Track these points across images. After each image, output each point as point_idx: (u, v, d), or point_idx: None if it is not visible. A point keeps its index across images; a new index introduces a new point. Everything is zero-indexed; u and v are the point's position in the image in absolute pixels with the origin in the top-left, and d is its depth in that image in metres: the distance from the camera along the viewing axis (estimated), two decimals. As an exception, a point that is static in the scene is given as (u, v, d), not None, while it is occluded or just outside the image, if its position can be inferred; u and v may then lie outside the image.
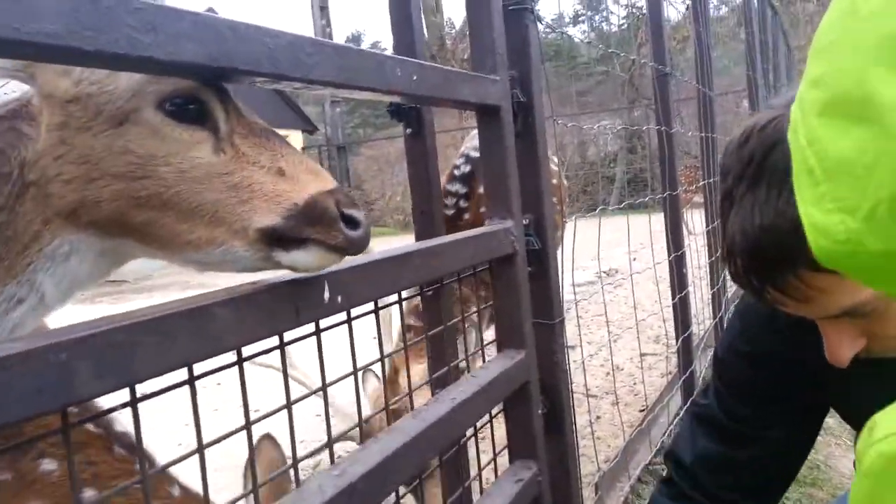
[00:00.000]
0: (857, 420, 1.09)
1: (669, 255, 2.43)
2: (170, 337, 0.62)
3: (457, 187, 2.25)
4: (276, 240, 0.78)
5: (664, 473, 1.20)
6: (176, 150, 0.79)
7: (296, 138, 17.74)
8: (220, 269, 0.84)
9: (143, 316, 0.60)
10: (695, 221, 3.23)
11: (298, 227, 0.77)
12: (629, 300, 2.88)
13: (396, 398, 1.57)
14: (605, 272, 2.09)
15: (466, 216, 2.22)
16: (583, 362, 3.05)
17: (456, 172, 2.29)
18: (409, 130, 1.49)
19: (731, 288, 3.36)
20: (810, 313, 0.80)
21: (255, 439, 0.76)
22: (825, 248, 0.45)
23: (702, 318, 3.03)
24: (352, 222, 0.78)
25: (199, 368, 0.68)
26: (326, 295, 0.82)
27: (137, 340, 0.59)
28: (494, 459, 1.28)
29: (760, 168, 0.77)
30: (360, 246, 0.79)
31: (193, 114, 0.79)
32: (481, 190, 2.21)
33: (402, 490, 1.05)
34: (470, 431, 1.23)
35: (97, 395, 0.57)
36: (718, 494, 1.10)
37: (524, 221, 1.34)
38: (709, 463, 1.11)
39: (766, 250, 0.76)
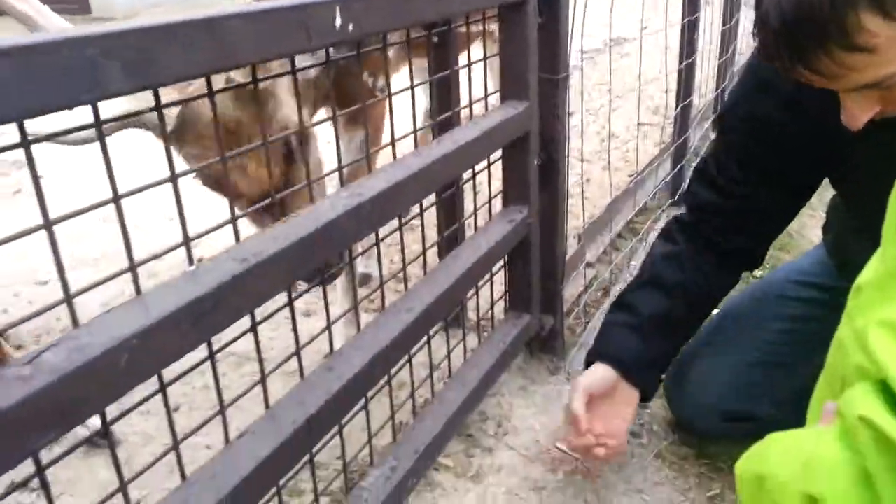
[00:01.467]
0: (855, 195, 1.15)
1: (684, 18, 2.34)
2: (191, 45, 0.63)
3: None
4: None
5: (681, 211, 1.32)
6: None
7: None
8: None
9: (164, 20, 0.61)
10: (715, -11, 3.05)
11: None
12: (633, 70, 2.82)
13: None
14: (612, 40, 2.02)
15: None
16: (581, 127, 3.07)
17: None
18: None
19: (739, 60, 3.28)
20: (837, 87, 0.82)
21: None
22: None
23: (704, 91, 3.00)
24: None
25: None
26: (338, 21, 0.82)
27: (160, 44, 0.61)
28: (490, 202, 1.36)
29: None
30: None
31: None
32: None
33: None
34: (468, 176, 1.30)
35: (125, 93, 0.60)
36: (724, 236, 1.23)
37: (539, -34, 1.28)
38: (707, 211, 1.23)
39: (800, 27, 0.76)
